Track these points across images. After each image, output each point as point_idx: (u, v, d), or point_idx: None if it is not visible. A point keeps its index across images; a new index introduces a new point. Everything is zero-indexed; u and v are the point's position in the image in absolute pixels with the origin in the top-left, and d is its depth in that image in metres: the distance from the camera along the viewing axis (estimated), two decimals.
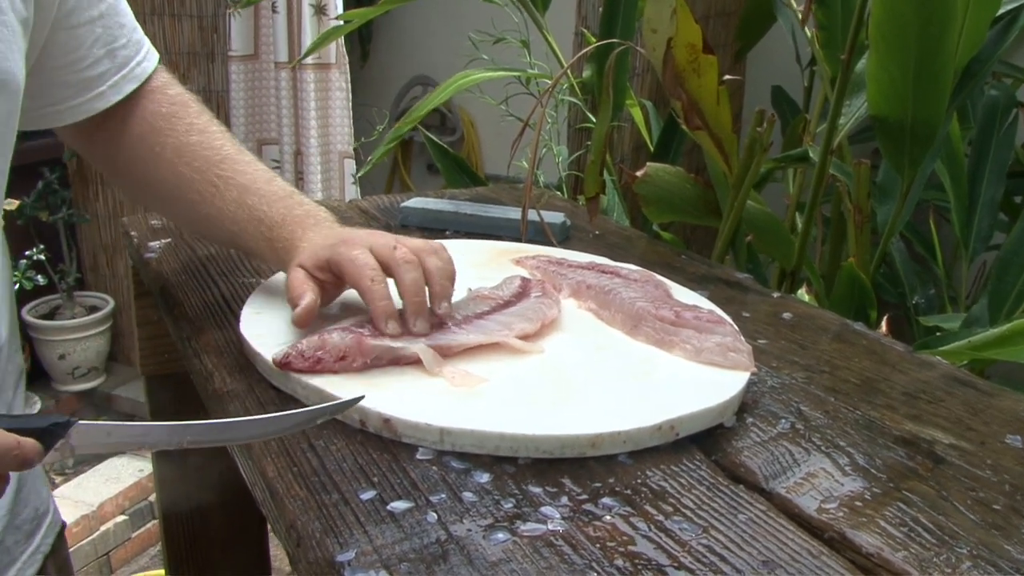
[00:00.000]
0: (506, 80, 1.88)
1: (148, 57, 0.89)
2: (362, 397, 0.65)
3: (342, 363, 0.70)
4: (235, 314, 0.84)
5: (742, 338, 0.77)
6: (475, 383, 0.69)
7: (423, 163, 3.71)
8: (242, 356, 0.77)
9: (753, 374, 0.75)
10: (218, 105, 2.61)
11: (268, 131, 2.56)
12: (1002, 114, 1.79)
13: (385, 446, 0.64)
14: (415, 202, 1.20)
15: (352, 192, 2.66)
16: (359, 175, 1.71)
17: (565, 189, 1.99)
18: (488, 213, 1.17)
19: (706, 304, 0.88)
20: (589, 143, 1.95)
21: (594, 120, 1.89)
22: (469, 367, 0.72)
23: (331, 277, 0.76)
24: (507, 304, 0.81)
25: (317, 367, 0.69)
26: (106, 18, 0.85)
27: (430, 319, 0.74)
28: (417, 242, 0.77)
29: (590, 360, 0.75)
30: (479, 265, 0.98)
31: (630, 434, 0.65)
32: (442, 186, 3.05)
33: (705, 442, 0.68)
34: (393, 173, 3.73)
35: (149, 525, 2.50)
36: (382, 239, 0.76)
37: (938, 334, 1.20)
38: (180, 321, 0.86)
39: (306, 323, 0.73)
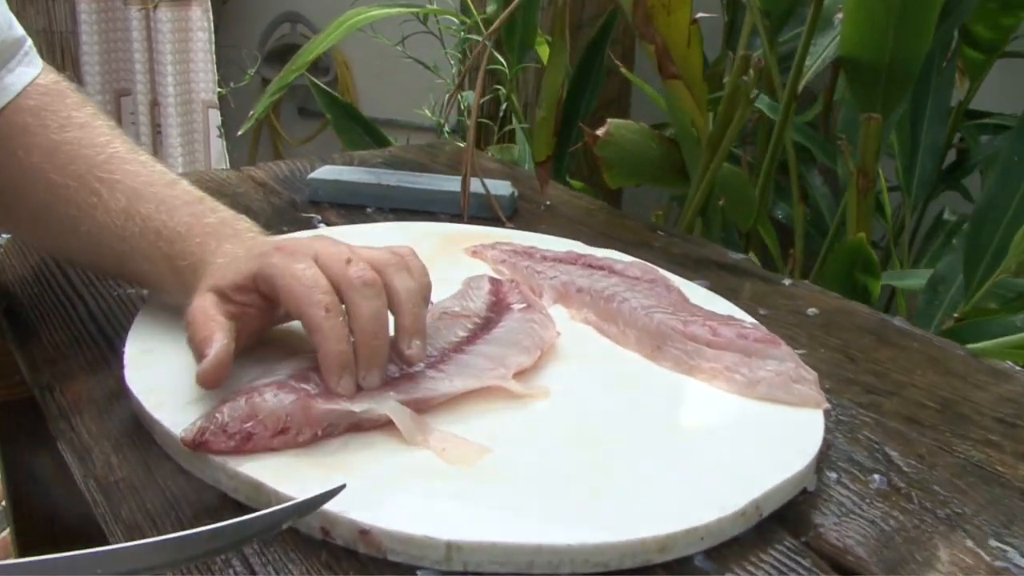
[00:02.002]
0: (402, 18, 1.66)
1: (28, 62, 0.66)
2: (343, 487, 0.45)
3: (282, 437, 0.49)
4: (112, 345, 0.62)
5: (801, 362, 0.60)
6: (475, 457, 0.50)
7: (293, 107, 3.41)
8: (132, 419, 0.55)
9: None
10: (63, 49, 2.26)
11: (128, 80, 2.24)
12: (939, 54, 1.67)
13: (363, 568, 0.44)
14: (325, 172, 0.97)
15: (219, 146, 2.38)
16: (241, 132, 1.46)
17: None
18: (418, 184, 0.95)
19: (724, 307, 0.70)
20: (498, 87, 1.75)
21: (503, 62, 1.68)
22: (454, 426, 0.52)
23: (258, 300, 0.54)
24: (486, 324, 0.61)
25: (246, 446, 0.48)
26: None
27: (388, 367, 0.53)
28: (378, 254, 0.55)
29: (615, 405, 0.56)
30: (425, 259, 0.77)
31: (709, 528, 0.46)
32: (318, 130, 2.77)
33: (787, 516, 0.51)
34: (261, 120, 3.42)
35: (3, 534, 2.21)
36: (332, 248, 0.54)
37: (957, 317, 1.06)
38: (36, 360, 0.63)
39: (217, 382, 0.51)
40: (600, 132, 0.94)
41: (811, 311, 0.76)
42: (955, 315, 1.22)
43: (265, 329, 0.57)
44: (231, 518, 0.43)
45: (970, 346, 0.87)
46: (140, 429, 0.54)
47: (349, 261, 0.52)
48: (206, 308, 0.53)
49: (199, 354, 0.51)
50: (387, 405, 0.50)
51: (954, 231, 1.70)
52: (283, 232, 0.83)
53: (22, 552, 1.04)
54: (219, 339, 0.51)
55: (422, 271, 0.56)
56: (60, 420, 0.57)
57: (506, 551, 0.43)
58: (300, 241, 0.55)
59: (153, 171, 0.62)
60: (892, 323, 0.75)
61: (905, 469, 0.55)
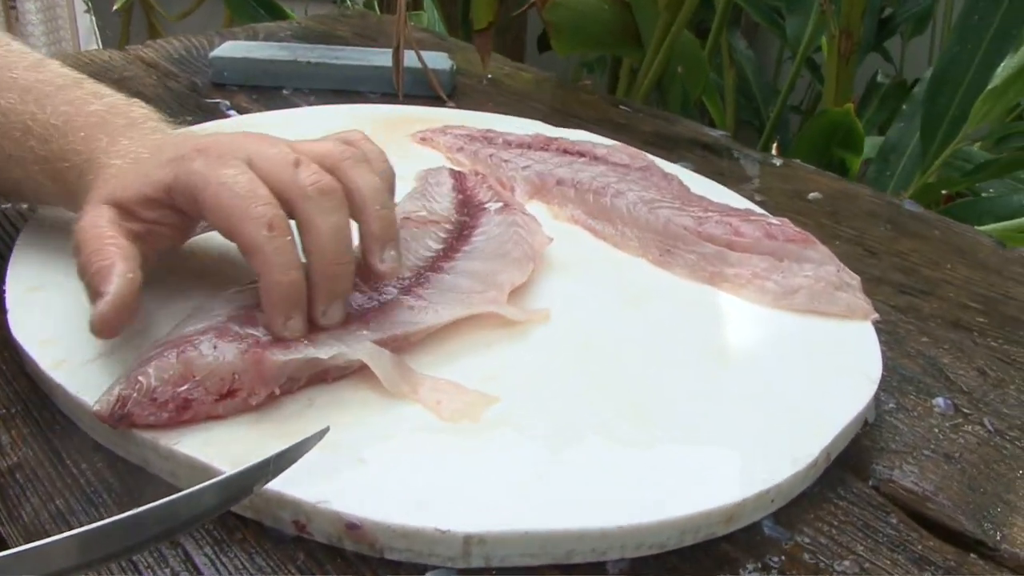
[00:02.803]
0: None
1: None
2: (326, 430, 0.34)
3: (229, 402, 0.37)
4: None
5: (841, 264, 0.50)
6: (479, 409, 0.39)
7: None
8: (25, 381, 0.43)
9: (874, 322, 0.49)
10: None
11: None
12: None
13: (353, 569, 0.34)
14: (229, 49, 0.83)
15: (87, 23, 2.13)
16: (118, 6, 1.28)
17: (377, 6, 1.63)
18: (342, 59, 0.82)
19: (728, 197, 0.60)
20: None
21: None
22: (442, 369, 0.42)
23: (172, 217, 0.41)
24: (461, 231, 0.50)
25: (183, 416, 0.37)
26: None
27: (350, 294, 0.41)
28: (327, 147, 0.42)
29: (630, 327, 0.46)
30: None
31: (781, 488, 0.37)
32: (195, 4, 2.55)
33: (850, 457, 0.42)
34: None
35: None
36: (271, 148, 0.41)
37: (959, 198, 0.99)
38: None
39: (118, 329, 0.38)
40: None
41: (813, 195, 0.67)
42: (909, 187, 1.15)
43: (176, 248, 0.45)
44: None
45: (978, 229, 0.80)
46: (37, 394, 0.41)
47: (298, 163, 0.40)
48: (100, 228, 0.40)
49: (93, 290, 0.38)
50: (362, 348, 0.39)
51: (891, 94, 1.63)
52: (187, 123, 0.69)
53: None
54: (120, 270, 0.38)
55: (381, 157, 0.44)
56: None
57: (541, 541, 0.34)
58: (225, 139, 0.42)
59: (9, 51, 0.48)
60: (903, 207, 0.67)
61: (969, 389, 0.47)
